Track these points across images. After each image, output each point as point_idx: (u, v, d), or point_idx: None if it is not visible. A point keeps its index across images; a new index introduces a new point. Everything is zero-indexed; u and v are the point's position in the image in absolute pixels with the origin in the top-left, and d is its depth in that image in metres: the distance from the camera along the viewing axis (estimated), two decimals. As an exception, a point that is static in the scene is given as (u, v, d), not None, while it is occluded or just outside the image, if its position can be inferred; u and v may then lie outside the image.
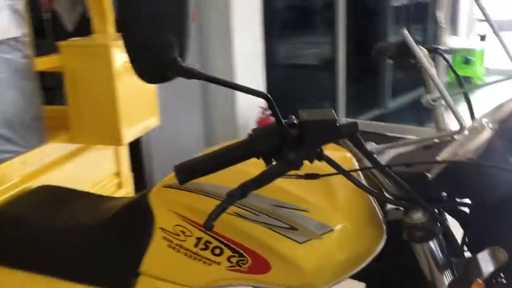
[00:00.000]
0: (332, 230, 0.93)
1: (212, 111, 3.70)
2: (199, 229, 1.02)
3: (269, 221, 0.96)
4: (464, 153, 0.86)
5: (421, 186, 0.90)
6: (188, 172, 0.87)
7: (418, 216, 0.88)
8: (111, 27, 1.86)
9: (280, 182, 0.89)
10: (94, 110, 1.65)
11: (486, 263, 0.83)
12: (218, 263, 1.01)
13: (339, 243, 0.94)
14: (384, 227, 0.97)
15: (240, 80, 3.69)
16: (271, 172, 0.84)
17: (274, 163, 0.86)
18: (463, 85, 1.11)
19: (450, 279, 0.90)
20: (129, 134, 1.67)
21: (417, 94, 5.57)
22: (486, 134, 0.88)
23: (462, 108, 1.15)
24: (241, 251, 0.99)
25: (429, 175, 0.89)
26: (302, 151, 0.84)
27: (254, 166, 0.88)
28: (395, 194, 0.92)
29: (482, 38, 6.20)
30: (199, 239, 1.02)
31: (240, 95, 3.63)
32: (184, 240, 1.03)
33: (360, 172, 1.00)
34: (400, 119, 5.39)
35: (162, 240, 1.07)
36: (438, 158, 0.90)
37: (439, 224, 0.89)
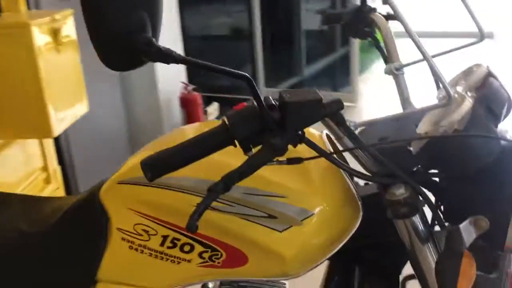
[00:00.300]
0: (313, 215, 0.89)
1: (132, 90, 3.50)
2: (165, 227, 0.94)
3: (244, 211, 0.89)
4: (449, 124, 0.84)
5: (402, 160, 0.87)
6: (158, 167, 0.78)
7: (400, 191, 0.86)
8: (22, 5, 1.64)
9: None
10: (16, 100, 1.45)
11: (468, 232, 0.83)
12: (189, 261, 0.94)
13: (319, 227, 0.90)
14: (360, 203, 0.93)
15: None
16: (255, 161, 0.78)
17: (253, 150, 0.79)
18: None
19: (434, 251, 0.89)
20: (59, 124, 1.50)
21: (329, 60, 5.73)
22: (468, 103, 0.85)
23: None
24: (214, 246, 0.92)
25: (412, 149, 0.86)
26: (286, 135, 0.78)
27: (221, 154, 0.82)
28: (374, 170, 0.89)
29: (384, 1, 6.43)
30: (165, 237, 0.94)
31: (159, 72, 3.47)
32: (148, 240, 0.95)
33: (332, 150, 0.95)
34: (316, 85, 5.51)
35: (121, 242, 0.97)
36: (420, 131, 0.87)
37: (421, 198, 0.87)
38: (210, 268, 0.94)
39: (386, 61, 1.14)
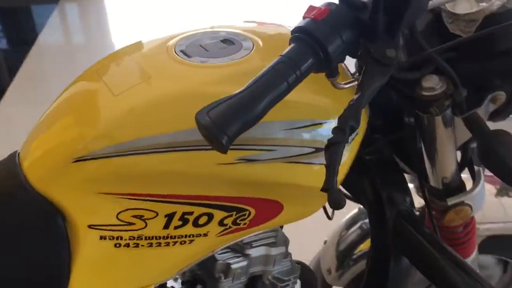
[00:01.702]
0: (357, 133, 0.75)
1: None
2: (168, 202, 0.68)
3: (289, 152, 0.68)
4: None
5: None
6: (232, 125, 0.51)
7: (435, 82, 0.72)
8: None
9: None
10: None
11: (485, 110, 0.77)
12: (205, 234, 0.72)
13: (358, 143, 0.76)
14: None
15: None
16: (373, 82, 0.57)
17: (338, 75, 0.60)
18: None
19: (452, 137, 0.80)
20: None
21: None
22: None
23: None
24: (242, 206, 0.72)
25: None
26: (396, 43, 0.59)
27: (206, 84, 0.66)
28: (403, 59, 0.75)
29: None
30: (170, 216, 0.69)
31: None
32: (144, 227, 0.69)
33: None
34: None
35: (100, 243, 0.69)
36: (462, 11, 0.71)
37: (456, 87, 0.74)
38: (232, 234, 0.74)
39: None
